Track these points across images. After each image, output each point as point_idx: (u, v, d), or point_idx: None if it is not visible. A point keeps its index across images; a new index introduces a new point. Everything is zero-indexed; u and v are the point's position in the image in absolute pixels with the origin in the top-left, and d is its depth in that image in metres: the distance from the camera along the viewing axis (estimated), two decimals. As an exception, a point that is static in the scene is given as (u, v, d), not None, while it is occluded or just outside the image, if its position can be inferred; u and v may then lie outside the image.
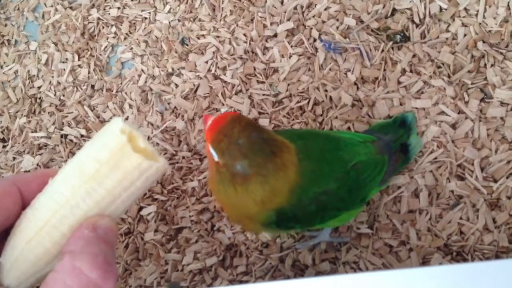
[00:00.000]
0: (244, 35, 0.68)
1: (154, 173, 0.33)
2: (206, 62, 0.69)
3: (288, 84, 0.65)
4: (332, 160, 0.47)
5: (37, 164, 0.70)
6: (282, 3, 0.69)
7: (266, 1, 0.69)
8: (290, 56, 0.66)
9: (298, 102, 0.63)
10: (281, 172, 0.42)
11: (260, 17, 0.68)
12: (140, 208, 0.64)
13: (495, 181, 0.57)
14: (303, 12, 0.68)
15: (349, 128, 0.61)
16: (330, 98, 0.63)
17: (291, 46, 0.66)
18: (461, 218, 0.56)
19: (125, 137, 0.32)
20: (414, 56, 0.63)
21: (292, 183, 0.43)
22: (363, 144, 0.50)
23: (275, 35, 0.68)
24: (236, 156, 0.41)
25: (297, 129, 0.62)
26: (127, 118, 0.69)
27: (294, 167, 0.43)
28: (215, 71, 0.68)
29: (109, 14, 0.77)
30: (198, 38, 0.71)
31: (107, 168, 0.32)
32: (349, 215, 0.53)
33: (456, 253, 0.55)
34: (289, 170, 0.43)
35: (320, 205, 0.46)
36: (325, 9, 0.67)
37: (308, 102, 0.63)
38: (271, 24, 0.68)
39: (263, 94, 0.65)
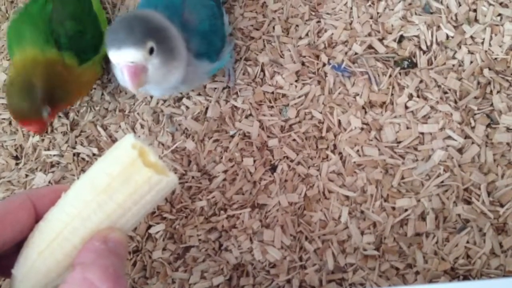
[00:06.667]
0: (256, 60, 0.70)
1: (164, 187, 0.34)
2: (215, 88, 0.70)
3: (298, 110, 0.66)
4: None
5: (49, 181, 0.71)
6: (296, 29, 0.70)
7: (274, 29, 0.71)
8: (297, 80, 0.67)
9: (306, 124, 0.65)
10: None
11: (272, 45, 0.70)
12: (149, 227, 0.65)
13: (502, 205, 0.57)
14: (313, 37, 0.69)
15: (358, 151, 0.62)
16: (339, 122, 0.64)
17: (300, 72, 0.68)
18: (468, 242, 0.56)
19: (136, 152, 0.33)
20: (421, 81, 0.64)
21: None
22: None
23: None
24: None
25: None
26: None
27: None
28: (226, 97, 0.69)
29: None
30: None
31: (118, 182, 0.33)
32: None
33: (463, 277, 0.55)
34: None
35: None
36: (334, 35, 0.68)
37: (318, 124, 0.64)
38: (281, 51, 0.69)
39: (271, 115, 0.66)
